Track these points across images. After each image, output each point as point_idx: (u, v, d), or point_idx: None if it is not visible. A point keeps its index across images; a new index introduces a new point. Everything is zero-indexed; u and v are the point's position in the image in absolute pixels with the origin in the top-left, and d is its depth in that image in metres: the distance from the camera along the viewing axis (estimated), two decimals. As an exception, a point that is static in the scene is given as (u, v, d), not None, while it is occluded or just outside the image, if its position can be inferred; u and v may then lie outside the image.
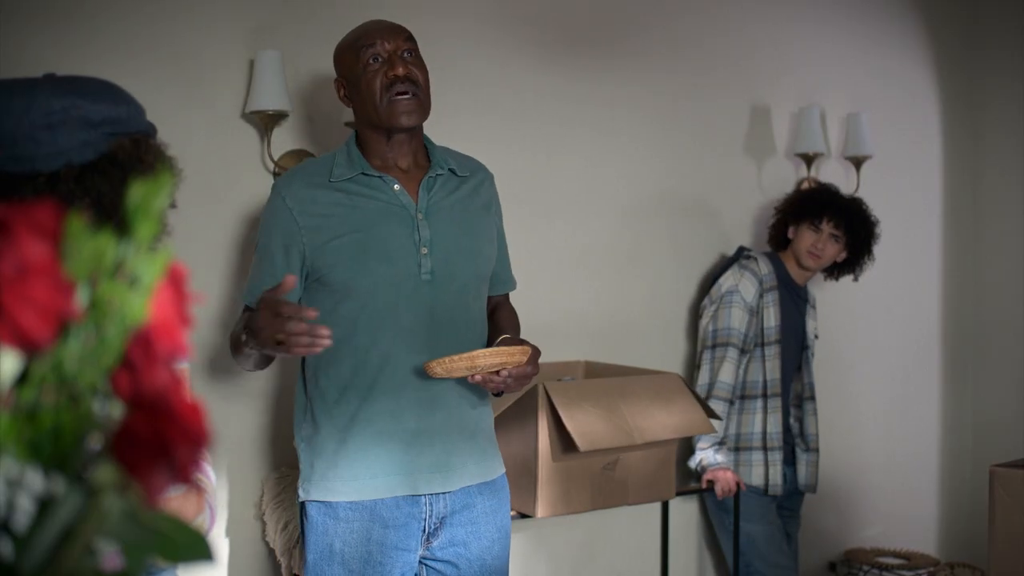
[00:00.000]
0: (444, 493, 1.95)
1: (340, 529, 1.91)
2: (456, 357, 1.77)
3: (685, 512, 3.28)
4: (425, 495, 1.93)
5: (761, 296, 3.09)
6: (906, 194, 4.01)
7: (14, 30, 2.15)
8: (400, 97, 1.90)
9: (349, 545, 1.90)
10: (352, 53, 1.96)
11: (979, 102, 4.26)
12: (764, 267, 3.12)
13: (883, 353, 3.94)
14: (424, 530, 1.94)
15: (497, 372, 1.80)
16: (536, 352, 1.88)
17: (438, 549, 1.97)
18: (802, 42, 3.65)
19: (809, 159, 3.50)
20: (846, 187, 3.59)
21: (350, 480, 1.91)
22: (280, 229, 1.92)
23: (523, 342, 1.90)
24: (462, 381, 1.93)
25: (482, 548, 1.98)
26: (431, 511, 1.94)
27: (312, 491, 1.94)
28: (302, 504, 1.98)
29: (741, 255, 3.18)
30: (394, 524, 1.91)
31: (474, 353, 1.77)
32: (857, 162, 3.64)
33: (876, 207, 3.74)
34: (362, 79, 1.93)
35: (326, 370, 1.94)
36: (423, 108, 1.94)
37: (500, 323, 2.10)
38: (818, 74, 3.68)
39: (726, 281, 3.12)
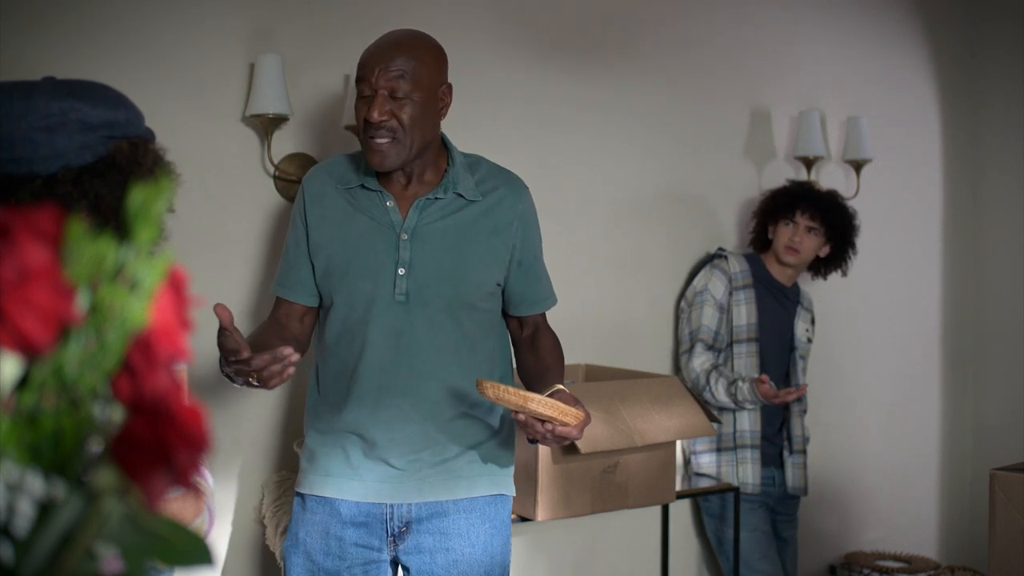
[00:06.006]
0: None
1: (305, 519, 1.97)
2: (511, 388, 1.73)
3: (685, 515, 3.28)
4: (387, 501, 1.94)
5: (731, 293, 3.10)
6: (906, 197, 4.01)
7: (13, 33, 2.15)
8: (373, 141, 1.85)
9: (311, 536, 1.96)
10: (355, 77, 1.91)
11: (979, 104, 4.26)
12: (736, 265, 3.13)
13: (883, 356, 3.94)
14: (388, 531, 1.94)
15: (542, 422, 1.77)
16: (587, 421, 1.80)
17: (403, 553, 1.96)
18: (802, 46, 3.65)
19: (809, 162, 3.50)
20: (846, 190, 3.59)
21: (313, 474, 1.97)
22: (298, 221, 1.98)
23: (579, 404, 1.82)
24: (445, 406, 1.91)
25: (449, 563, 1.94)
26: (392, 513, 1.94)
27: (297, 481, 2.03)
28: None
29: (715, 255, 3.20)
30: (353, 522, 1.94)
31: (529, 395, 1.73)
32: (857, 166, 3.64)
33: (876, 210, 3.75)
34: (355, 109, 1.90)
35: (321, 367, 2.01)
36: (400, 150, 1.85)
37: (544, 358, 2.03)
38: (818, 77, 3.69)
39: (698, 282, 3.15)
